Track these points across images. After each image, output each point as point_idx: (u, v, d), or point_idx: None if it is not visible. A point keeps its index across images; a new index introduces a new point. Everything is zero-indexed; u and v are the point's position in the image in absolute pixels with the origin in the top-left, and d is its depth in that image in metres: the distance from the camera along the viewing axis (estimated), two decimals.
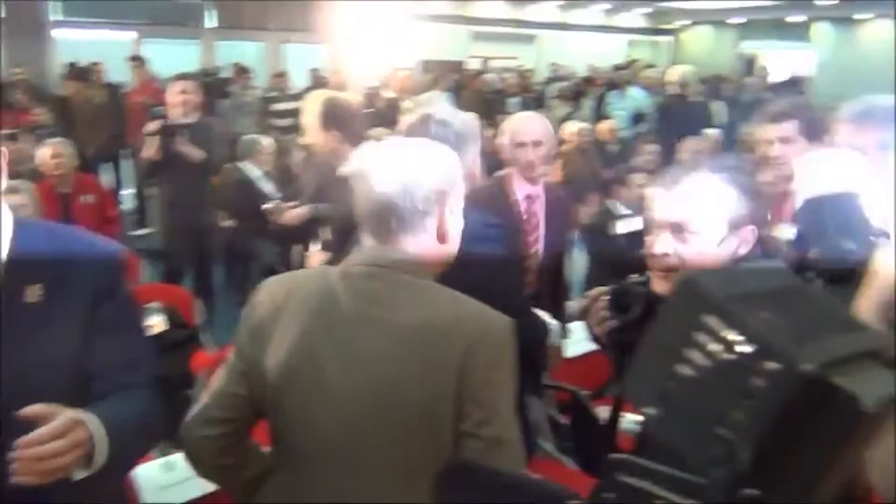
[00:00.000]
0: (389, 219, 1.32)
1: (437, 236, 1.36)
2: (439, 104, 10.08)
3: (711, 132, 7.53)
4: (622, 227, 4.44)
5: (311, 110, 3.50)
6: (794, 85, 13.96)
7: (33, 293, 1.32)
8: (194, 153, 4.58)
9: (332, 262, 2.27)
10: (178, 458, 2.04)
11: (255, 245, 5.19)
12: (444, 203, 1.36)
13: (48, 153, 4.57)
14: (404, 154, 1.36)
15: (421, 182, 1.32)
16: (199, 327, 3.78)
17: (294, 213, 3.97)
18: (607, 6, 16.01)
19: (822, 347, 0.62)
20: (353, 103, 3.77)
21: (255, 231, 5.02)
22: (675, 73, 7.67)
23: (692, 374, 0.64)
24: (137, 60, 8.89)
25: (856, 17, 14.68)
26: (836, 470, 0.63)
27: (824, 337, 0.65)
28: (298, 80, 10.94)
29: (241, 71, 9.51)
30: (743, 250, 1.44)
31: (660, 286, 1.49)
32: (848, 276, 1.33)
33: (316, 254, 3.17)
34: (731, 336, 0.62)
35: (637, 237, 2.89)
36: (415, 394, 1.28)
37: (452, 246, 1.42)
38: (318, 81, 10.06)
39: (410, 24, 13.37)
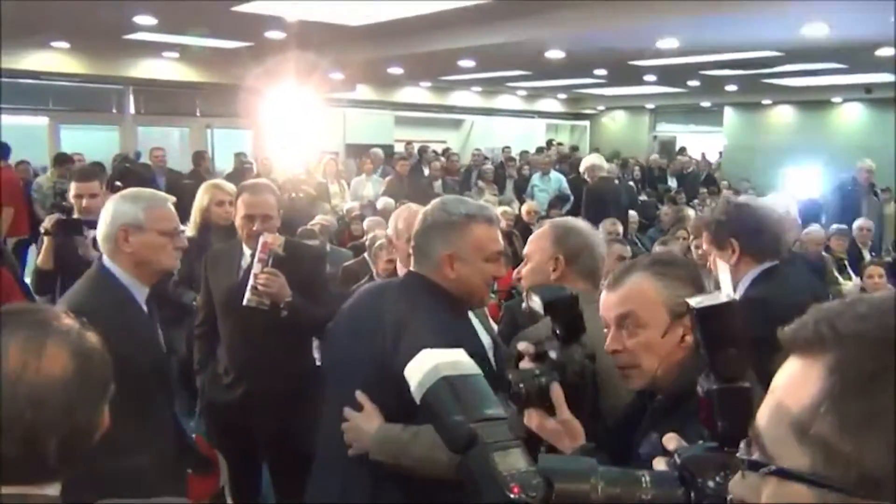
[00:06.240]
0: None
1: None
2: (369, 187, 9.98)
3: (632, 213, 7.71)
4: None
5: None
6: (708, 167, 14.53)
7: None
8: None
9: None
10: None
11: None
12: None
13: None
14: None
15: None
16: None
17: None
18: (525, 93, 16.44)
19: None
20: None
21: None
22: (600, 158, 7.83)
23: None
24: None
25: (763, 102, 15.44)
26: None
27: None
28: (222, 164, 10.80)
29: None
30: (690, 338, 1.42)
31: (625, 383, 1.52)
32: None
33: None
34: None
35: None
36: None
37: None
38: (242, 166, 9.90)
39: (336, 111, 13.45)
